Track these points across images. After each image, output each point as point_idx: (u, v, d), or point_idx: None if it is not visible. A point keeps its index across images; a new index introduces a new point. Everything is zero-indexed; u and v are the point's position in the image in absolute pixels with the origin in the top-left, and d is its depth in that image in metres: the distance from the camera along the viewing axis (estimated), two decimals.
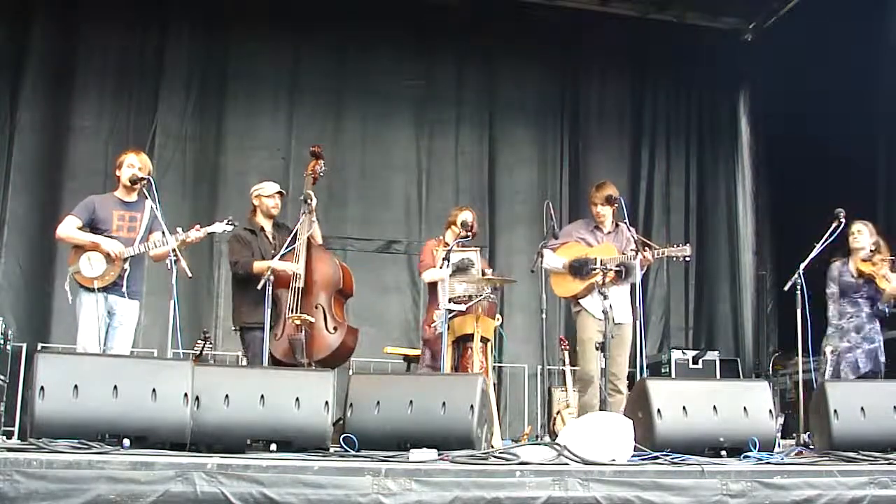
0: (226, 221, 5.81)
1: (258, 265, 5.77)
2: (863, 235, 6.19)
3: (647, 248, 5.86)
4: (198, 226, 5.67)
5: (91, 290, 5.39)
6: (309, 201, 5.96)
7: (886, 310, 6.05)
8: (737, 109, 10.64)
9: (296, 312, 5.73)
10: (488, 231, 9.54)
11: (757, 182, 10.43)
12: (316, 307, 5.86)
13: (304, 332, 5.68)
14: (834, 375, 6.03)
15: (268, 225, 6.11)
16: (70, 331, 5.75)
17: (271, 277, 5.55)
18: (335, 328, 5.86)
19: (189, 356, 7.03)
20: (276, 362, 5.77)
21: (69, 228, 5.57)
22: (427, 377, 5.98)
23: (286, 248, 5.77)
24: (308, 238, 5.94)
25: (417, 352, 7.28)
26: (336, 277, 5.97)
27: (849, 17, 8.34)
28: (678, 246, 5.97)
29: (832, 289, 6.26)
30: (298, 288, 5.82)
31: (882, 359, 6.06)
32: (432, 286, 6.17)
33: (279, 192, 6.18)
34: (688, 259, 6.03)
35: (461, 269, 6.03)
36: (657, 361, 9.06)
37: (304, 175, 6.20)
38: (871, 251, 6.09)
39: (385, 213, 9.51)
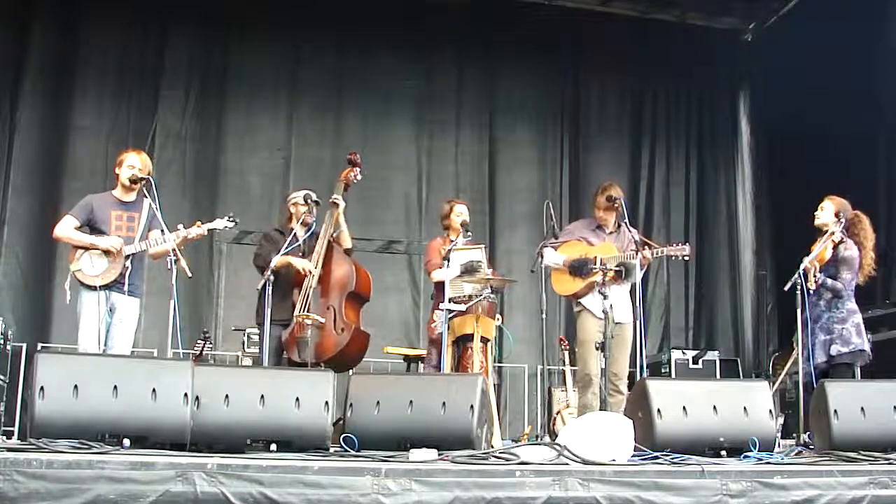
0: (227, 218, 5.83)
1: (275, 259, 5.78)
2: (825, 212, 5.94)
3: (646, 248, 5.86)
4: (199, 222, 5.68)
5: (93, 288, 5.39)
6: (336, 205, 6.03)
7: (826, 281, 5.70)
8: (737, 109, 10.64)
9: (306, 311, 5.74)
10: (488, 231, 9.55)
11: (757, 182, 10.44)
12: (328, 308, 5.89)
13: (310, 331, 5.69)
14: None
15: (301, 230, 6.10)
16: (70, 330, 5.74)
17: (271, 278, 5.57)
18: (342, 329, 5.87)
19: (189, 356, 7.03)
20: (290, 361, 5.80)
21: (67, 229, 5.57)
22: (427, 377, 5.99)
23: (289, 245, 5.78)
24: (331, 241, 5.98)
25: (417, 352, 7.29)
26: (348, 279, 5.98)
27: (849, 17, 8.33)
28: (678, 245, 5.95)
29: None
30: (312, 287, 5.84)
31: (844, 349, 5.72)
32: (440, 286, 6.17)
33: (305, 199, 6.18)
34: (687, 258, 6.00)
35: (469, 271, 6.02)
36: (657, 361, 9.06)
37: (337, 181, 6.23)
38: (842, 228, 5.83)
39: (385, 213, 9.52)
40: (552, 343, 8.18)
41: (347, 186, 6.22)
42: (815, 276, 5.64)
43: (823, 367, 5.72)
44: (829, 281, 5.70)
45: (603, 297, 5.47)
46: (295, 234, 6.01)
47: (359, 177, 6.26)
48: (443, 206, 6.59)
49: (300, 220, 6.11)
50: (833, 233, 5.77)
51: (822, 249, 5.70)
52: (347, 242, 6.18)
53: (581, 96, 10.29)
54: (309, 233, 5.99)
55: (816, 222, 5.98)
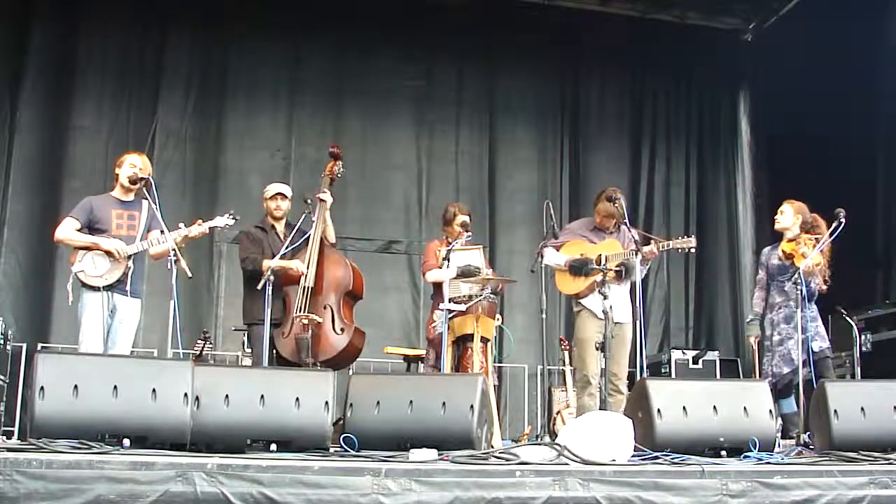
0: (227, 216, 5.80)
1: (267, 262, 5.76)
2: (784, 216, 6.04)
3: (651, 243, 5.86)
4: (199, 221, 5.66)
5: (95, 289, 5.38)
6: (323, 201, 6.03)
7: (815, 287, 5.79)
8: (737, 109, 10.65)
9: (304, 312, 5.73)
10: (488, 231, 9.54)
11: (757, 182, 10.44)
12: (324, 307, 5.87)
13: (310, 331, 5.68)
14: (765, 367, 5.93)
15: (279, 225, 6.12)
16: (70, 330, 5.75)
17: (271, 277, 5.55)
18: (342, 329, 5.86)
19: (189, 356, 7.03)
20: (281, 361, 5.78)
21: (67, 231, 5.55)
22: (427, 377, 5.99)
23: (287, 247, 5.77)
24: (322, 238, 5.97)
25: (417, 352, 7.29)
26: (346, 279, 5.98)
27: (849, 17, 8.34)
28: (683, 238, 5.96)
29: (760, 275, 6.20)
30: (308, 287, 5.83)
31: (825, 345, 5.84)
32: (437, 287, 6.17)
33: (278, 194, 6.16)
34: (693, 250, 5.99)
35: (467, 275, 6.02)
36: (657, 361, 9.06)
37: (322, 175, 6.24)
38: (803, 231, 5.90)
39: (385, 213, 9.52)
40: (552, 343, 8.18)
41: (333, 181, 6.21)
42: (826, 279, 5.70)
43: (796, 366, 5.74)
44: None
45: (603, 297, 5.47)
46: (277, 232, 6.03)
47: (342, 169, 6.25)
48: (446, 209, 6.55)
49: (272, 216, 6.11)
50: (828, 233, 5.78)
51: (819, 251, 5.72)
52: (332, 238, 6.18)
53: (581, 96, 10.29)
54: (304, 237, 5.96)
55: (777, 226, 6.10)
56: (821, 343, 5.86)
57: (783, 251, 5.94)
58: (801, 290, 5.60)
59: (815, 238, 5.82)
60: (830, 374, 5.87)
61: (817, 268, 5.75)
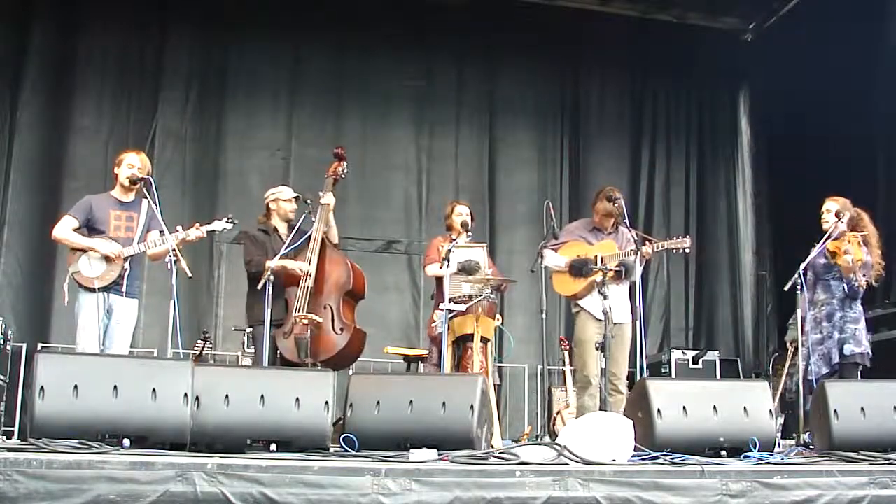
0: (225, 219, 5.80)
1: (269, 263, 5.76)
2: (831, 214, 5.96)
3: (647, 243, 5.86)
4: (197, 224, 5.66)
5: (91, 290, 5.38)
6: (326, 204, 6.03)
7: (855, 285, 5.68)
8: (737, 109, 10.67)
9: (303, 311, 5.74)
10: (488, 231, 9.54)
11: (757, 182, 10.45)
12: (325, 307, 5.87)
13: (310, 331, 5.68)
14: (803, 364, 5.84)
15: (282, 227, 6.12)
16: (70, 331, 5.74)
17: (271, 278, 5.56)
18: (342, 329, 5.86)
19: (189, 356, 7.03)
20: (284, 361, 5.78)
21: (65, 230, 5.55)
22: (427, 377, 5.99)
23: (289, 246, 5.77)
24: (323, 238, 5.98)
25: (417, 352, 7.29)
26: (346, 279, 5.98)
27: (849, 18, 8.34)
28: (678, 238, 5.95)
29: (809, 276, 6.08)
30: (308, 287, 5.83)
31: (857, 349, 5.73)
32: (438, 285, 6.18)
33: (296, 197, 6.19)
34: (688, 251, 5.98)
35: (468, 271, 6.02)
36: (657, 361, 9.05)
37: (325, 176, 6.24)
38: (849, 228, 5.82)
39: (385, 213, 9.52)
40: (552, 343, 8.17)
41: (336, 181, 6.22)
42: (863, 278, 5.64)
43: (835, 366, 5.71)
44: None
45: (603, 298, 5.47)
46: (279, 234, 6.03)
47: (346, 171, 6.26)
48: (445, 206, 6.62)
49: (285, 218, 6.11)
50: (864, 233, 5.74)
51: (857, 249, 5.65)
52: (335, 238, 6.19)
53: (581, 96, 10.29)
54: (305, 237, 5.96)
55: (826, 226, 5.95)
56: (853, 347, 5.73)
57: (828, 249, 5.85)
58: (801, 286, 5.60)
59: (861, 234, 5.76)
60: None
61: (857, 264, 5.62)
